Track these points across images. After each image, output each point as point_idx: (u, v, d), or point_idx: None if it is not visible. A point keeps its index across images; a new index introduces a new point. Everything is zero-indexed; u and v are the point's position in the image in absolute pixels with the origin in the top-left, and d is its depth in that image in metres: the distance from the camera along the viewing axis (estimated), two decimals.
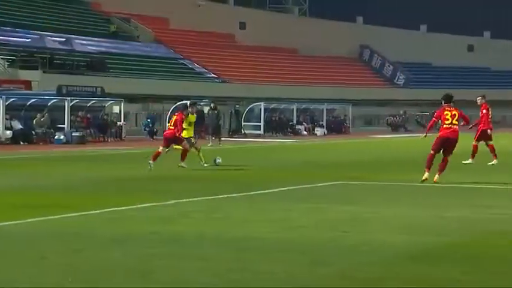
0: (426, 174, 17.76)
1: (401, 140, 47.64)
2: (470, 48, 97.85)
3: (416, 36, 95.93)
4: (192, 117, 23.51)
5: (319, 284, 7.94)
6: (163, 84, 60.70)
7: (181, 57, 71.66)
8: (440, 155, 18.11)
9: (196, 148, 23.29)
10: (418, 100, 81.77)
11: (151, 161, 21.73)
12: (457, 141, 18.05)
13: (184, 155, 22.68)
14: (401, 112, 74.33)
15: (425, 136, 19.06)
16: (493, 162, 23.63)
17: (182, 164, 22.48)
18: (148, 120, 50.62)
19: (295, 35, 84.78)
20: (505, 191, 16.82)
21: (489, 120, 24.35)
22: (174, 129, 22.71)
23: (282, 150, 34.62)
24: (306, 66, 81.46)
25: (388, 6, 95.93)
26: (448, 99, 18.54)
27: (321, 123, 61.32)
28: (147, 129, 49.52)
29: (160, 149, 22.51)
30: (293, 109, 60.22)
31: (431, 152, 18.08)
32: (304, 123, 59.99)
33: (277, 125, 58.33)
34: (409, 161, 27.13)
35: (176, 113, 23.75)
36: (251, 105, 59.13)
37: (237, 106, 58.72)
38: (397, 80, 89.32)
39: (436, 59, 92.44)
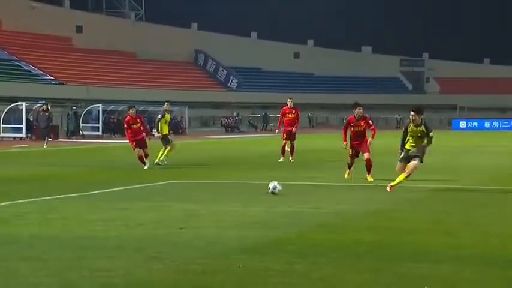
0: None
1: (235, 141, 48.57)
2: (297, 55, 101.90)
3: (247, 42, 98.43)
4: (167, 117, 25.64)
5: (154, 279, 8.17)
6: None
7: (16, 59, 69.97)
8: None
9: (170, 145, 24.89)
10: (249, 103, 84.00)
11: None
12: None
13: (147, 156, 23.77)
14: (234, 114, 75.88)
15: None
16: (290, 159, 26.02)
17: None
18: None
19: (132, 39, 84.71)
20: (317, 187, 17.70)
21: (296, 121, 26.71)
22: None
23: (121, 151, 34.49)
24: (144, 70, 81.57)
25: (221, 14, 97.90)
26: None
27: None
28: None
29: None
30: None
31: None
32: None
33: (116, 127, 58.00)
34: (242, 160, 27.90)
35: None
36: (89, 107, 58.62)
37: (74, 108, 58.12)
38: (230, 84, 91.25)
39: (266, 64, 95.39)
